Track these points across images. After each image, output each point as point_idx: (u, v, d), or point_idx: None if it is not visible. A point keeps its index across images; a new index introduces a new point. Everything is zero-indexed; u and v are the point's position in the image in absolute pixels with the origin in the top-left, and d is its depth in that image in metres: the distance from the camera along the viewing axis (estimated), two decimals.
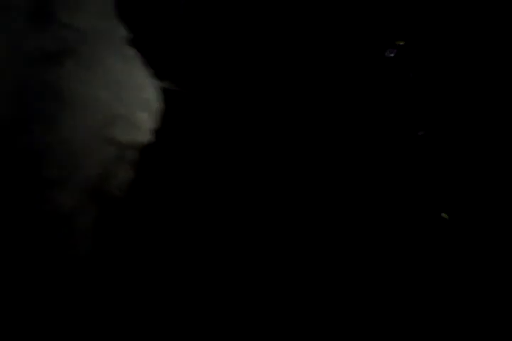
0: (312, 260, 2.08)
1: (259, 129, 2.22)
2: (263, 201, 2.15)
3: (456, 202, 2.15)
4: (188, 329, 1.89)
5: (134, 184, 1.92)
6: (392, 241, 2.12)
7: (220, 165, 2.18)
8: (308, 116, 2.24)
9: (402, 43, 2.21)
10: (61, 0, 1.80)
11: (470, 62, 2.21)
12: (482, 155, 2.18)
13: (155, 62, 2.03)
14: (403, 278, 2.06)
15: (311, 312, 1.99)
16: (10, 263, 1.63)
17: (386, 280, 2.06)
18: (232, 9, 2.25)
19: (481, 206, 2.14)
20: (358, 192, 2.19)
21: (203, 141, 2.18)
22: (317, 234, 2.12)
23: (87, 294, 1.78)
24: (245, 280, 2.01)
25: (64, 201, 1.64)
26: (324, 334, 1.96)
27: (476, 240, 2.10)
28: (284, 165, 2.20)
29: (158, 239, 2.02)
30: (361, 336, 1.97)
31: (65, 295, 1.73)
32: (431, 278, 2.06)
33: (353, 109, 2.25)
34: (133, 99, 1.88)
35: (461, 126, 2.21)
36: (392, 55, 2.18)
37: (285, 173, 2.19)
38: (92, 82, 1.78)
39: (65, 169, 1.68)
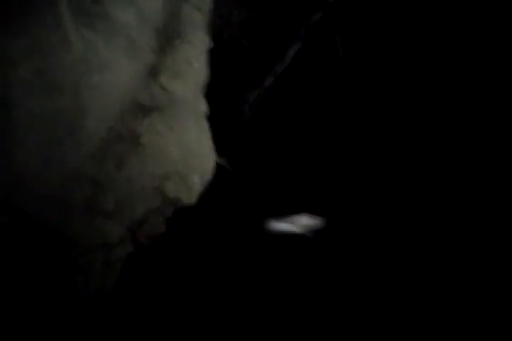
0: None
1: None
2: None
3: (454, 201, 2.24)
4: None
5: (160, 238, 2.03)
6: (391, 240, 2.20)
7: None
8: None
9: None
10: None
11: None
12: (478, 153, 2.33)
13: (222, 139, 2.26)
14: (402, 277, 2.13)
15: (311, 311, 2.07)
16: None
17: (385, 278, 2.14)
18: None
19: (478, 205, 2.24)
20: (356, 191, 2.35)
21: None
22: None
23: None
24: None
25: (111, 231, 1.75)
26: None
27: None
28: None
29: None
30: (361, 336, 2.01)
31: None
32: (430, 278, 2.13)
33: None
34: (195, 163, 2.07)
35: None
36: None
37: None
38: (169, 139, 1.98)
39: (119, 204, 1.81)
